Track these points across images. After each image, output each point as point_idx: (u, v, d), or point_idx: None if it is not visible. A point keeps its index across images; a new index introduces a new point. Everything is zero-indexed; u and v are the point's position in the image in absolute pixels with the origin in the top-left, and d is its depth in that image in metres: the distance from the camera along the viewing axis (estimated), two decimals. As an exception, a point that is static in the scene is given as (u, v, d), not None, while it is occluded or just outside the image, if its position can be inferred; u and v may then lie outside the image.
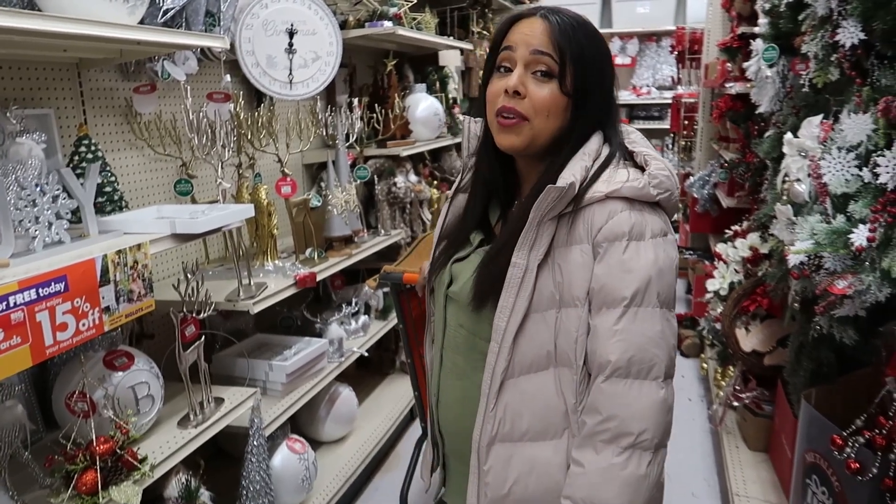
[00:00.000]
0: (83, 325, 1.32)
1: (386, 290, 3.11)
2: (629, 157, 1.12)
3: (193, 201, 2.23)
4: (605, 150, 1.11)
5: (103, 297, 1.36)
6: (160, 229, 1.60)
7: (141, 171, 2.16)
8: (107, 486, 1.46)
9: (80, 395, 1.51)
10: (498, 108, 1.09)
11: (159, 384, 1.74)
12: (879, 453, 1.51)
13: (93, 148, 1.74)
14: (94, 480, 1.44)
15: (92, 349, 1.64)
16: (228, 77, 2.15)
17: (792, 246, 1.47)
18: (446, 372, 1.25)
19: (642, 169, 1.09)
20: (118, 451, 1.51)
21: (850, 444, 1.56)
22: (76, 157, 1.72)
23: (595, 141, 1.11)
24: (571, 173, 1.05)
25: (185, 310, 1.78)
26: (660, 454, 1.05)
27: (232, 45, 2.19)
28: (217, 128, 1.95)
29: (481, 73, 4.40)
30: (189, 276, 1.79)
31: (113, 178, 1.78)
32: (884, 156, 1.29)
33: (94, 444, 1.47)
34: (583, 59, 1.07)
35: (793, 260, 1.45)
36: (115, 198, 1.76)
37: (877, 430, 1.53)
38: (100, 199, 1.72)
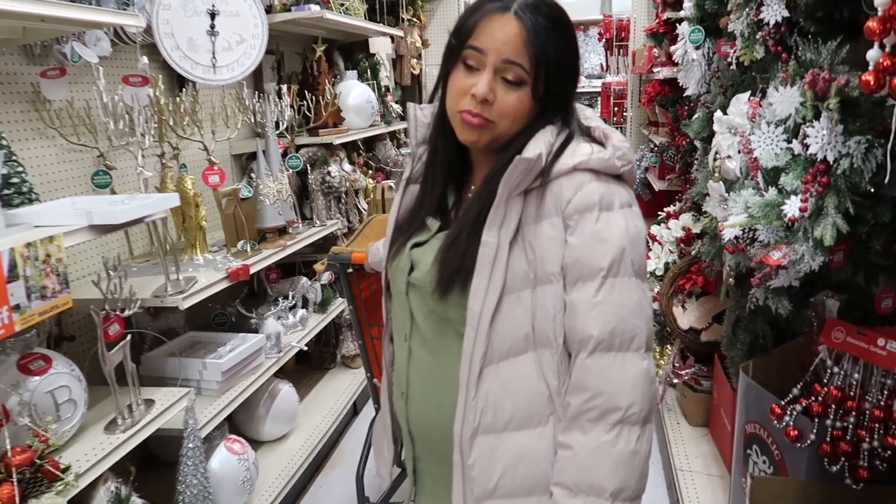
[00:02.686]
0: (-10, 325, 1.21)
1: (324, 282, 3.03)
2: (587, 133, 1.12)
3: (113, 194, 2.09)
4: (565, 128, 1.10)
5: (12, 295, 1.24)
6: (75, 220, 1.49)
7: (53, 163, 2.01)
8: (26, 500, 1.35)
9: (-9, 402, 1.39)
10: (463, 109, 1.05)
11: (82, 388, 1.62)
12: (817, 420, 1.55)
13: (-4, 136, 1.61)
14: (11, 494, 1.32)
15: (3, 353, 1.51)
16: (146, 59, 2.02)
17: (726, 221, 1.49)
18: (417, 365, 1.18)
19: (601, 143, 1.09)
20: (37, 461, 1.39)
21: (788, 412, 1.60)
22: (-23, 147, 1.59)
23: (555, 122, 1.10)
24: (536, 147, 1.03)
25: (107, 307, 1.67)
26: (647, 428, 1.02)
27: (149, 26, 2.06)
28: (135, 114, 1.84)
29: (413, 60, 4.29)
30: (111, 271, 1.68)
31: (21, 169, 1.65)
32: (813, 126, 1.31)
33: (10, 454, 1.35)
34: (556, 65, 1.04)
35: (727, 234, 1.47)
36: (24, 189, 1.64)
37: (813, 398, 1.57)
38: (6, 192, 1.60)
